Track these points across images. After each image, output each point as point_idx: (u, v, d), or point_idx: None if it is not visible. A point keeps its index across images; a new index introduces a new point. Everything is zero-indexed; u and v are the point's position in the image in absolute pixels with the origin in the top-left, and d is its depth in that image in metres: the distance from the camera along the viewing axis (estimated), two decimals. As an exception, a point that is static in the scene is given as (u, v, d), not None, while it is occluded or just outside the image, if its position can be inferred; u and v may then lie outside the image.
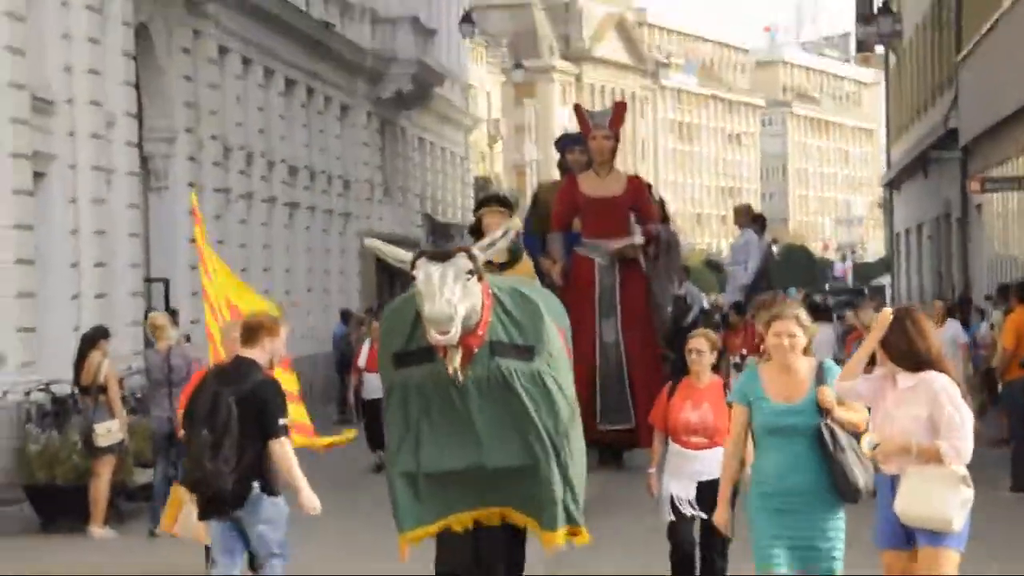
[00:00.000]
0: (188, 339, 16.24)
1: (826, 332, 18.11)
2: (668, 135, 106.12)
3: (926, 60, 37.30)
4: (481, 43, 65.24)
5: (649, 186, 19.10)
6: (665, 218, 18.46)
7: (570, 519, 7.56)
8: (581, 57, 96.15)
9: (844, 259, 58.83)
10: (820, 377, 6.37)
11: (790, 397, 6.36)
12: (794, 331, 6.39)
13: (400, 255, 7.90)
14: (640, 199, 16.53)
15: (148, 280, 22.65)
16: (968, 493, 6.01)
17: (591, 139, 16.75)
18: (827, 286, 27.90)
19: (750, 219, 22.85)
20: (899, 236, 47.15)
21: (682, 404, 8.48)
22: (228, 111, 27.21)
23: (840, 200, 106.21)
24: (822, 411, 6.24)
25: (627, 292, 15.41)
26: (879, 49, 48.76)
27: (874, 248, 63.73)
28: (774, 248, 31.93)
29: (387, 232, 32.38)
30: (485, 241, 8.19)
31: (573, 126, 21.55)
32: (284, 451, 7.36)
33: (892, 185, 47.19)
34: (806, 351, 6.53)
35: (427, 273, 7.32)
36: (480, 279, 7.59)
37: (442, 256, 7.52)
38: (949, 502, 5.92)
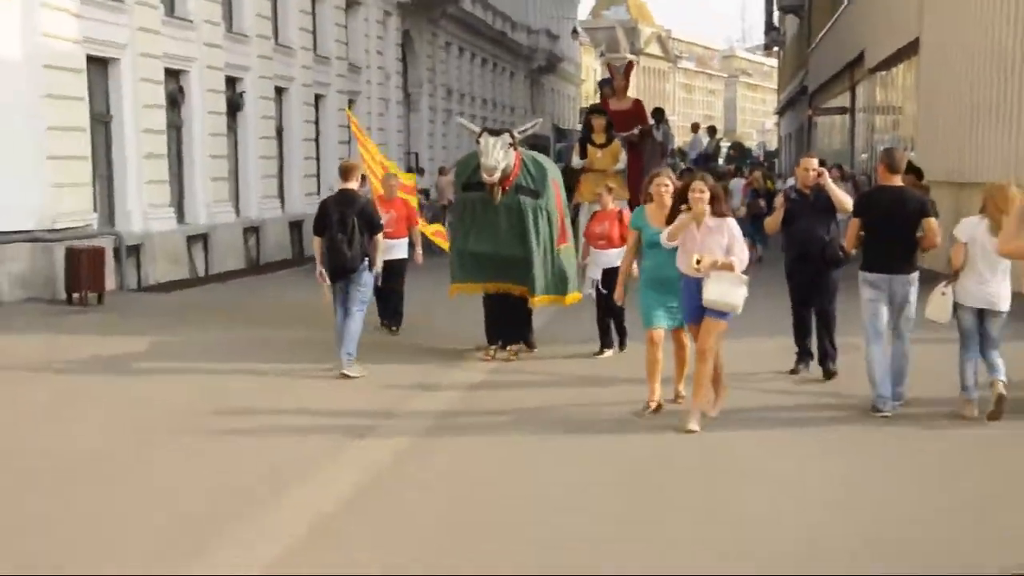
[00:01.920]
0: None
1: (739, 183, 28.75)
2: (679, 91, 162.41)
3: (795, 52, 65.21)
4: (586, 43, 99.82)
5: (659, 109, 29.52)
6: (658, 124, 27.03)
7: (551, 292, 13.02)
8: (638, 52, 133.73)
9: (759, 147, 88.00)
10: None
11: (662, 223, 9.79)
12: (667, 183, 10.23)
13: (474, 128, 13.25)
14: (639, 112, 23.26)
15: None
16: (746, 289, 9.28)
17: (616, 81, 24.37)
18: (748, 161, 39.03)
19: (703, 129, 38.90)
20: (783, 138, 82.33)
21: (596, 223, 13.15)
22: (451, 73, 45.59)
23: (760, 121, 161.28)
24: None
25: (632, 160, 20.55)
26: (775, 49, 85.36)
27: (774, 143, 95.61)
28: (724, 143, 52.04)
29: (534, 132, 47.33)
30: (522, 127, 14.20)
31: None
32: (380, 241, 12.04)
33: (780, 114, 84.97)
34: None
35: (485, 141, 12.44)
36: (515, 149, 12.77)
37: (495, 132, 12.84)
38: (738, 294, 9.22)
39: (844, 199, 11.38)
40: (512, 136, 12.70)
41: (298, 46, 28.40)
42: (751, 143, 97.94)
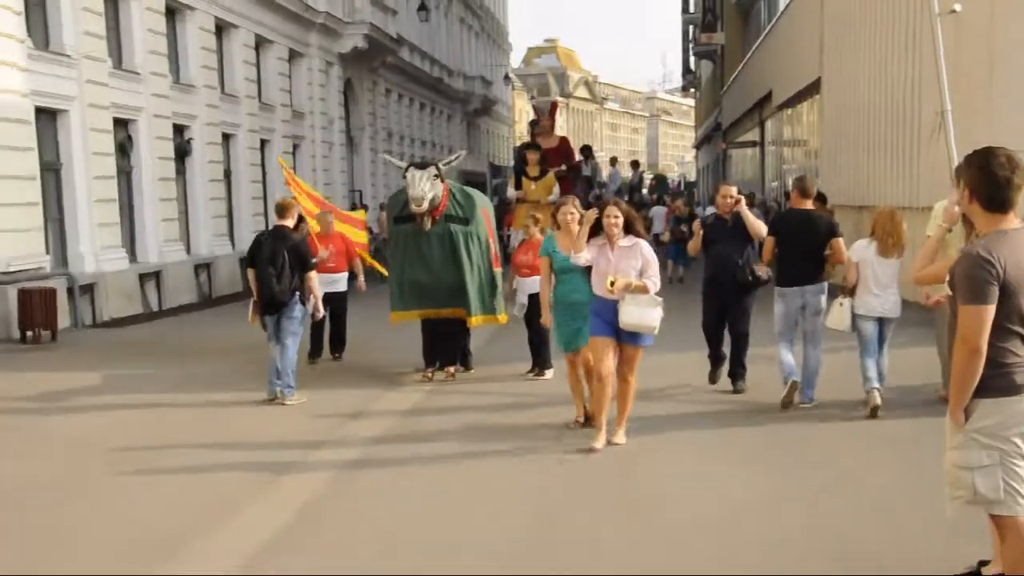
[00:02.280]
0: None
1: (661, 210, 29.49)
2: (606, 130, 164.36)
3: (710, 93, 66.28)
4: (520, 88, 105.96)
5: (586, 146, 31.78)
6: (586, 159, 28.48)
7: (486, 312, 12.92)
8: (567, 95, 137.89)
9: (680, 178, 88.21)
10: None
11: (569, 249, 9.55)
12: (572, 211, 10.07)
13: (400, 164, 13.26)
14: (565, 148, 23.31)
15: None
16: (661, 311, 8.92)
17: (542, 121, 24.67)
18: (668, 191, 39.48)
19: (627, 163, 41.51)
20: (700, 170, 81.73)
21: (522, 252, 12.85)
22: (391, 117, 44.53)
23: (680, 155, 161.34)
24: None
25: (561, 192, 18.84)
26: (692, 90, 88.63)
27: (693, 175, 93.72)
28: (647, 175, 55.61)
29: (471, 169, 55.23)
30: (446, 159, 13.66)
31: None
32: (313, 278, 11.64)
33: (697, 148, 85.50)
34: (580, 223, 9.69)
35: (412, 174, 12.19)
36: (442, 180, 12.54)
37: (421, 166, 12.51)
38: (653, 316, 8.90)
39: (758, 225, 11.25)
40: (437, 168, 12.50)
41: (243, 95, 27.90)
42: (672, 175, 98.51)
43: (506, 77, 74.97)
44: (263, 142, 29.30)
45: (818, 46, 26.55)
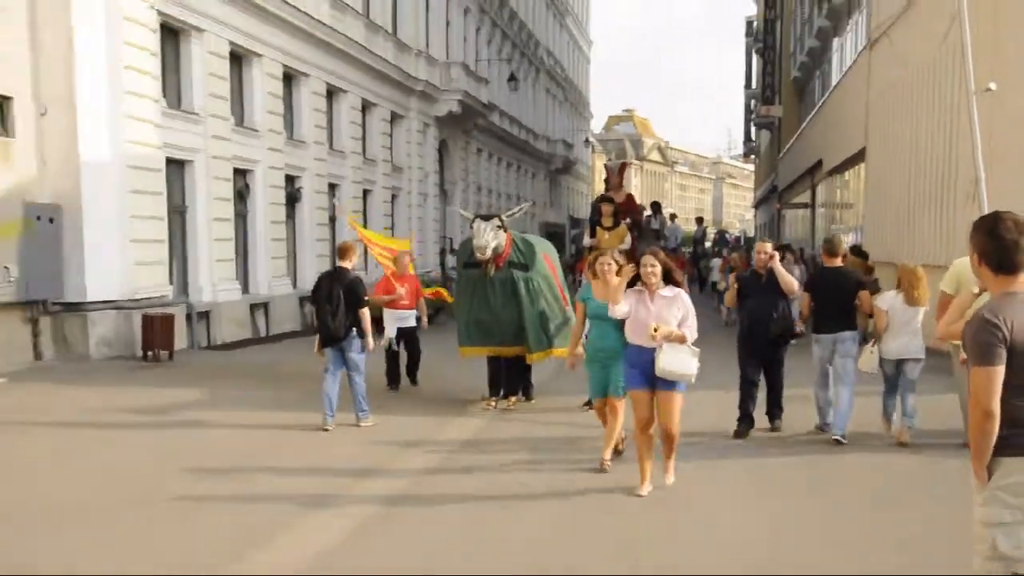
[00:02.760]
0: None
1: (717, 261, 29.09)
2: (676, 190, 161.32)
3: (768, 159, 64.71)
4: (600, 151, 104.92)
5: (656, 203, 30.78)
6: (654, 214, 28.28)
7: (544, 347, 12.62)
8: (642, 158, 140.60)
9: (741, 234, 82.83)
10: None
11: (604, 297, 8.91)
12: (610, 262, 9.42)
13: (468, 216, 13.31)
14: (630, 204, 21.34)
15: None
16: (697, 361, 8.19)
17: (611, 179, 22.83)
18: (727, 245, 39.84)
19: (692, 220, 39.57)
20: (758, 227, 76.31)
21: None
22: (481, 173, 44.86)
23: (741, 213, 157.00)
24: None
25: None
26: (752, 156, 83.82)
27: (752, 231, 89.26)
28: (711, 230, 56.90)
29: (552, 221, 59.39)
30: (509, 211, 13.54)
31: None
32: (366, 314, 11.14)
33: (756, 207, 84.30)
34: (618, 274, 9.06)
35: (478, 225, 12.23)
36: (505, 231, 12.48)
37: (486, 218, 12.53)
38: (692, 365, 8.15)
39: (789, 280, 10.79)
40: (501, 220, 12.45)
41: (349, 150, 28.23)
42: (734, 231, 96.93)
43: (586, 141, 75.20)
44: (365, 192, 29.60)
45: (864, 119, 26.23)
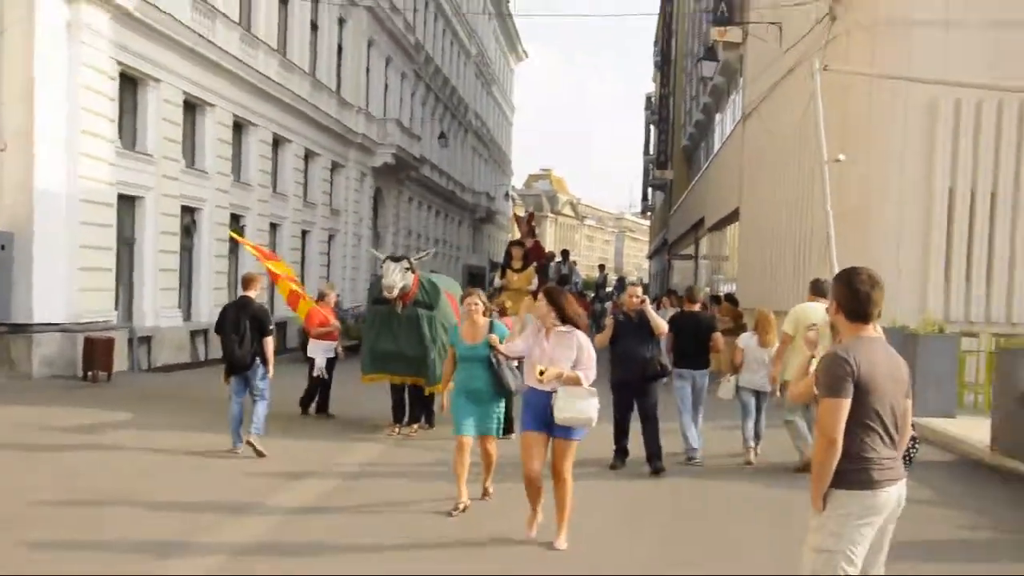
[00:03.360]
0: None
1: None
2: (584, 240, 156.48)
3: (661, 216, 65.99)
4: (519, 203, 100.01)
5: (565, 251, 29.75)
6: (565, 260, 27.74)
7: (439, 381, 10.61)
8: (556, 212, 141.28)
9: (639, 280, 79.44)
10: (491, 328, 8.05)
11: (475, 339, 8.01)
12: (477, 302, 8.22)
13: (379, 256, 12.87)
14: (537, 250, 20.59)
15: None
16: (596, 401, 6.77)
17: (520, 227, 22.58)
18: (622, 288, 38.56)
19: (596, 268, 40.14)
20: (653, 274, 75.77)
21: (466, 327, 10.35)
22: (412, 218, 43.29)
23: (638, 262, 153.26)
24: (490, 346, 7.77)
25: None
26: (648, 213, 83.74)
27: (647, 278, 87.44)
28: (612, 276, 55.42)
29: (474, 263, 55.71)
30: (418, 255, 13.14)
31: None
32: (270, 343, 10.07)
33: (650, 258, 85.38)
34: (485, 313, 8.25)
35: (387, 265, 11.63)
36: (413, 272, 11.86)
37: (396, 259, 11.87)
38: (590, 409, 6.75)
39: (659, 323, 9.98)
40: (409, 262, 11.90)
41: (291, 193, 27.48)
42: (632, 277, 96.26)
43: (506, 194, 74.93)
44: (304, 232, 28.82)
45: (738, 183, 26.31)
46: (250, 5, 24.74)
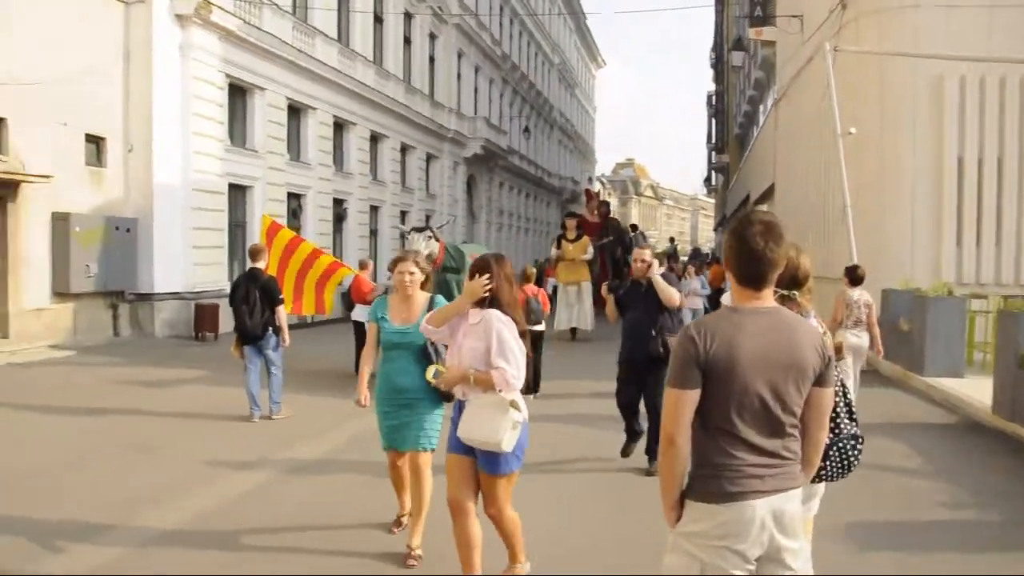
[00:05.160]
0: None
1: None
2: (663, 218, 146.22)
3: (721, 195, 59.60)
4: (608, 188, 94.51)
5: (634, 225, 27.79)
6: (634, 230, 25.24)
7: None
8: (639, 194, 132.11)
9: (711, 251, 77.01)
10: (430, 306, 4.69)
11: (406, 320, 4.70)
12: (412, 270, 4.76)
13: (403, 228, 11.87)
14: (603, 225, 20.58)
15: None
16: (518, 416, 3.90)
17: (590, 203, 22.47)
18: (700, 258, 34.74)
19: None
20: (717, 245, 62.92)
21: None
22: (503, 201, 41.14)
23: (710, 235, 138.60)
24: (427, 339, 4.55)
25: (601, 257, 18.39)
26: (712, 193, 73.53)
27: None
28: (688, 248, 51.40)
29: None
30: (439, 224, 12.17)
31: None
32: (282, 312, 8.57)
33: (715, 231, 76.56)
34: (423, 286, 4.85)
35: (411, 236, 10.70)
36: (437, 240, 10.78)
37: (419, 229, 10.90)
38: (500, 426, 3.88)
39: (670, 292, 6.64)
40: (432, 231, 10.64)
41: (389, 181, 26.53)
42: (706, 248, 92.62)
43: (588, 179, 72.87)
44: (402, 212, 27.89)
45: (772, 161, 24.19)
46: (348, 24, 23.74)
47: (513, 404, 3.91)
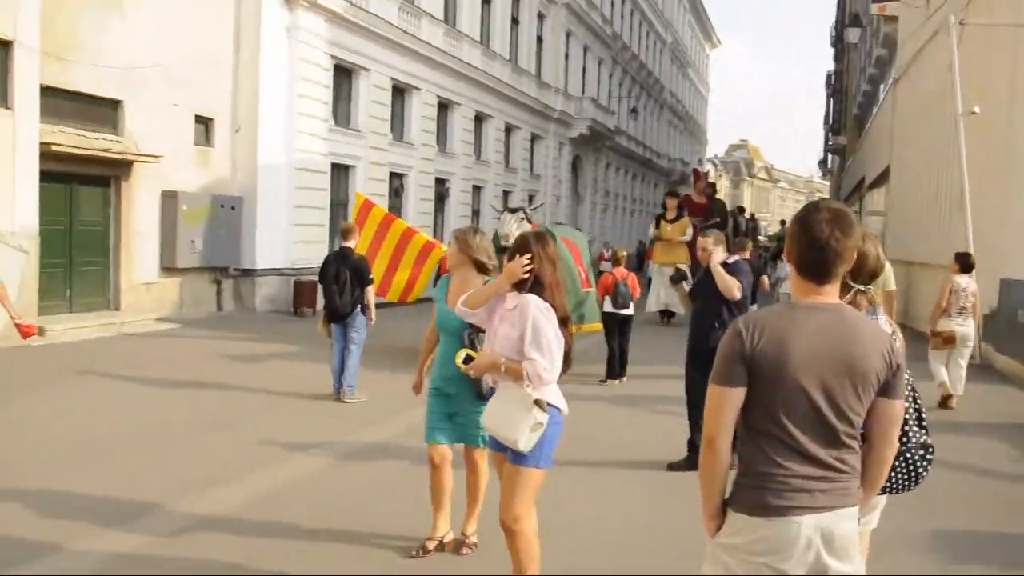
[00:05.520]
0: None
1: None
2: (777, 201, 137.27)
3: (836, 178, 55.51)
4: (720, 169, 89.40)
5: (740, 207, 26.05)
6: (741, 211, 24.07)
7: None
8: (753, 176, 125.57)
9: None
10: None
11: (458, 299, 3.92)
12: (468, 244, 4.27)
13: (497, 208, 11.18)
14: (710, 205, 18.61)
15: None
16: (541, 417, 3.44)
17: (698, 183, 20.12)
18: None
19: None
20: None
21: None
22: (609, 182, 40.06)
23: None
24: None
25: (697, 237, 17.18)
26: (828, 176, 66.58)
27: None
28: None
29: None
30: (533, 205, 12.07)
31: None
32: (370, 292, 8.43)
33: None
34: (488, 271, 4.29)
35: (504, 217, 10.63)
36: (529, 221, 10.27)
37: (513, 210, 10.59)
38: (519, 424, 3.46)
39: (728, 282, 6.04)
40: (524, 212, 10.21)
41: (493, 161, 26.26)
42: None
43: (699, 160, 70.65)
44: (505, 192, 27.58)
45: (888, 143, 22.54)
46: (455, 4, 23.50)
47: (538, 403, 3.46)
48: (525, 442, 3.47)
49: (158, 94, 14.14)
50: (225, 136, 15.97)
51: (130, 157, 13.77)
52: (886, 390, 2.28)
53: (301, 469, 6.11)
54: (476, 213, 25.38)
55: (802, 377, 2.21)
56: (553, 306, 3.59)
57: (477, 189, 25.35)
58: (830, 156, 66.54)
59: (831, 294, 2.31)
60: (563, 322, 3.62)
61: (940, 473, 6.13)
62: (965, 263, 8.49)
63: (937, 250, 15.11)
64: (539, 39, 30.08)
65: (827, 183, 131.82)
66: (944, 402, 8.60)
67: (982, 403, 9.07)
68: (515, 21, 27.71)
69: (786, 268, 14.49)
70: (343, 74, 18.63)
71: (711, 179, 28.53)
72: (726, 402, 2.26)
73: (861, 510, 2.35)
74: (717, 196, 23.67)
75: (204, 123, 15.55)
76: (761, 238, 31.35)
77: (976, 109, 11.67)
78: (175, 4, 14.48)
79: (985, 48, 13.01)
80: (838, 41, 54.08)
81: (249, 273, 16.10)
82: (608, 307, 10.05)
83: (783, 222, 39.62)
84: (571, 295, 10.03)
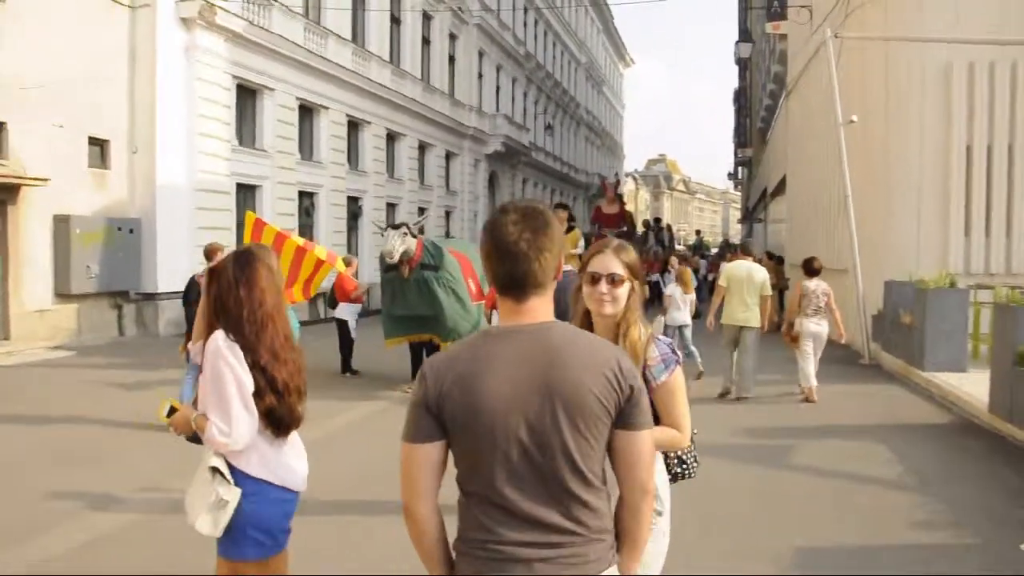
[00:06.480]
0: None
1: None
2: (695, 212, 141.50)
3: (745, 188, 56.49)
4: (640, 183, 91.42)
5: (657, 218, 27.39)
6: (658, 223, 24.77)
7: (454, 337, 9.42)
8: (672, 189, 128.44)
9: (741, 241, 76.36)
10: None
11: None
12: None
13: (380, 225, 11.21)
14: (623, 215, 19.44)
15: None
16: (225, 492, 2.58)
17: (608, 193, 20.40)
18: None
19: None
20: (744, 237, 65.80)
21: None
22: (527, 196, 36.18)
23: (738, 227, 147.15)
24: None
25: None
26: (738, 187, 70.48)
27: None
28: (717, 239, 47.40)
29: (587, 232, 47.72)
30: (416, 220, 11.12)
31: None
32: None
33: (740, 223, 70.21)
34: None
35: (387, 233, 9.57)
36: (414, 236, 9.61)
37: (395, 226, 9.72)
38: (197, 500, 2.65)
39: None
40: (408, 227, 9.68)
41: (407, 178, 25.87)
42: (735, 239, 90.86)
43: (615, 175, 71.19)
44: (420, 208, 27.11)
45: (784, 154, 23.07)
46: (364, 25, 23.12)
47: (216, 471, 2.59)
48: (204, 524, 2.63)
49: (47, 115, 13.39)
50: (122, 158, 15.25)
51: (15, 180, 12.97)
52: (622, 420, 1.78)
53: (114, 522, 5.24)
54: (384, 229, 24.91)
55: (502, 420, 1.74)
56: (244, 347, 2.63)
57: (391, 207, 24.93)
58: (739, 168, 68.54)
59: (536, 311, 1.83)
60: (275, 357, 2.70)
61: (810, 481, 6.06)
62: (809, 267, 9.14)
63: (825, 255, 15.38)
64: (451, 58, 29.88)
65: (739, 194, 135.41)
66: (807, 399, 9.07)
67: (865, 404, 9.13)
68: (426, 41, 27.47)
69: (669, 288, 13.84)
70: (247, 94, 18.05)
71: (619, 190, 28.77)
72: (415, 462, 1.80)
73: (628, 567, 1.86)
74: (625, 206, 23.85)
75: (99, 144, 14.81)
76: (679, 247, 31.71)
77: (854, 118, 11.92)
78: (65, 25, 13.77)
79: (861, 61, 13.33)
80: (741, 59, 55.64)
81: (151, 297, 15.38)
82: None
83: (698, 232, 40.37)
84: (462, 314, 9.80)
